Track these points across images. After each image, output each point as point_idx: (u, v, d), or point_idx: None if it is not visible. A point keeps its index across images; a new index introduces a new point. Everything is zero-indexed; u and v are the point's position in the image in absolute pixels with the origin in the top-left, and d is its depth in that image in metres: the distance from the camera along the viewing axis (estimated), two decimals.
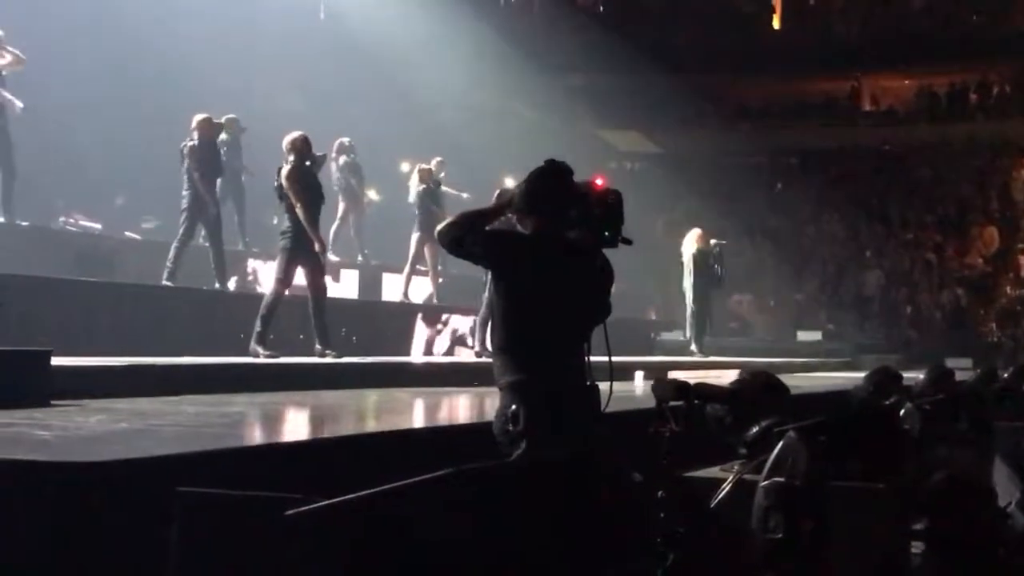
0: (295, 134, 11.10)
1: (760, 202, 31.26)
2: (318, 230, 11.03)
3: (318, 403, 8.76)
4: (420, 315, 15.32)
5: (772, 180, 33.09)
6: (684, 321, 17.75)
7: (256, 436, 7.13)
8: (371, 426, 7.91)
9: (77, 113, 15.55)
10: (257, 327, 10.66)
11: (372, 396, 9.68)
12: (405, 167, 15.77)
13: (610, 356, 4.69)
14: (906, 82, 34.08)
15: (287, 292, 10.93)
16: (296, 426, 7.85)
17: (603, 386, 4.76)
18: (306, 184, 10.90)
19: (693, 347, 17.14)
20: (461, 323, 15.40)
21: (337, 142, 16.09)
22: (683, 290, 16.97)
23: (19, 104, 12.50)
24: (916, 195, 30.74)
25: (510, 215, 4.96)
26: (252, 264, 14.95)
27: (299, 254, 10.84)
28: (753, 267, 27.42)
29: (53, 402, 7.16)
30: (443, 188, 15.84)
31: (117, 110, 16.14)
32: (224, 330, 11.54)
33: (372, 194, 18.45)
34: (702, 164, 31.10)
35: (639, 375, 13.05)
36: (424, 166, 15.64)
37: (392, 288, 16.11)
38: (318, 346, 10.97)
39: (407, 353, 14.59)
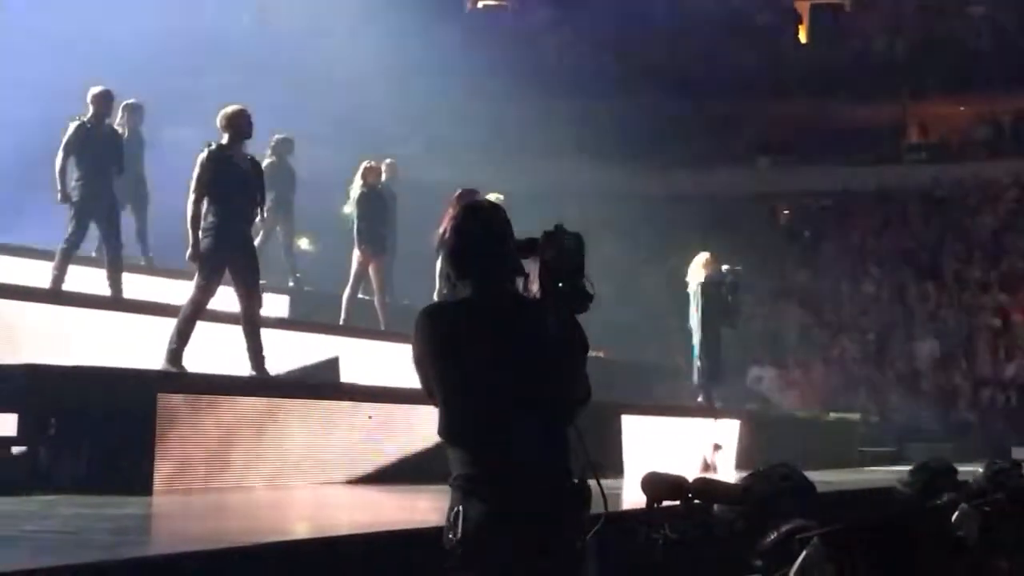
0: (233, 107, 11.19)
1: (784, 254, 31.38)
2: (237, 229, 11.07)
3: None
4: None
5: (798, 228, 33.25)
6: (691, 368, 17.68)
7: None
8: (294, 530, 7.83)
9: None
10: (171, 343, 10.58)
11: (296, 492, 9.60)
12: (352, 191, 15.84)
13: (587, 454, 4.33)
14: (962, 109, 34.40)
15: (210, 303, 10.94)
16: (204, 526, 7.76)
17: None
18: (226, 170, 10.91)
19: (700, 398, 17.20)
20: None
21: (275, 138, 16.32)
22: (689, 327, 17.04)
23: None
24: (975, 247, 30.92)
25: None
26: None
27: (226, 256, 10.86)
28: (775, 333, 27.42)
29: None
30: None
31: None
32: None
33: (304, 243, 18.47)
34: (711, 208, 31.21)
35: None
36: (370, 164, 15.89)
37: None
38: (253, 374, 10.97)
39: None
